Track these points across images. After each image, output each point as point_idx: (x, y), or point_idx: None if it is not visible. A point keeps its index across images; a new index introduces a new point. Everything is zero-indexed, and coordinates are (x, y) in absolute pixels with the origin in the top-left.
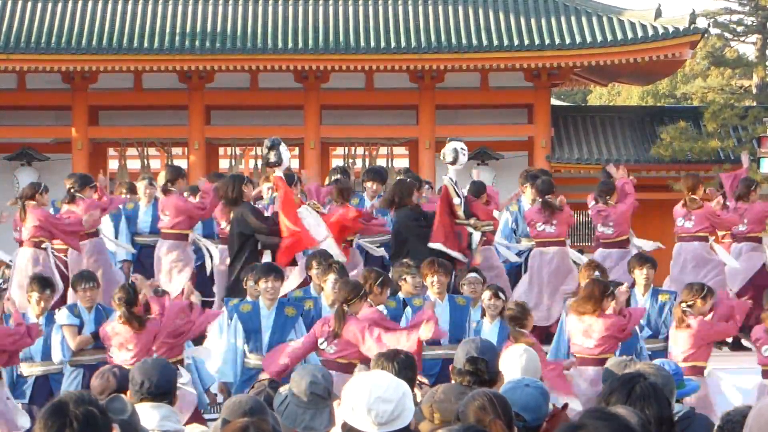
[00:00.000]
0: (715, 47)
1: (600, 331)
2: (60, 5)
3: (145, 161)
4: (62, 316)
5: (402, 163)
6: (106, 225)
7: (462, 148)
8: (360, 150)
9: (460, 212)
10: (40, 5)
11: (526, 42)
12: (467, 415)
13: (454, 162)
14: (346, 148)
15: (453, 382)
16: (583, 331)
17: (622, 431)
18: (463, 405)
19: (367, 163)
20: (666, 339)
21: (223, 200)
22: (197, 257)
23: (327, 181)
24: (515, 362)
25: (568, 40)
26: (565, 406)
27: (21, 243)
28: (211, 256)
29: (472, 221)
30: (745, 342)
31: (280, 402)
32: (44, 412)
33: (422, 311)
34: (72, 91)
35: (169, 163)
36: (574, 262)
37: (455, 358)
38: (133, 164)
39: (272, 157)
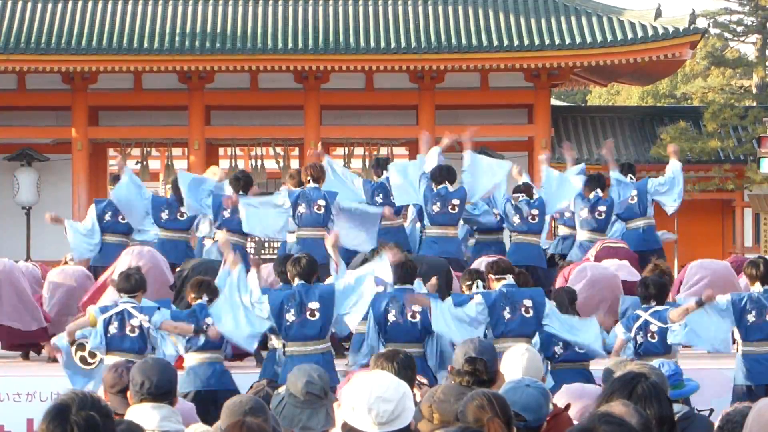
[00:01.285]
0: (715, 47)
1: None
2: (60, 5)
3: (145, 162)
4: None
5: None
6: None
7: None
8: (360, 150)
9: None
10: (40, 5)
11: (526, 42)
12: (466, 415)
13: None
14: (346, 149)
15: (452, 382)
16: None
17: None
18: (463, 405)
19: (366, 164)
20: None
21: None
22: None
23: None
24: (517, 362)
25: (568, 41)
26: (568, 406)
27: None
28: None
29: None
30: None
31: (276, 403)
32: (46, 415)
33: None
34: (72, 92)
35: (169, 164)
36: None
37: (454, 358)
38: (133, 165)
39: None
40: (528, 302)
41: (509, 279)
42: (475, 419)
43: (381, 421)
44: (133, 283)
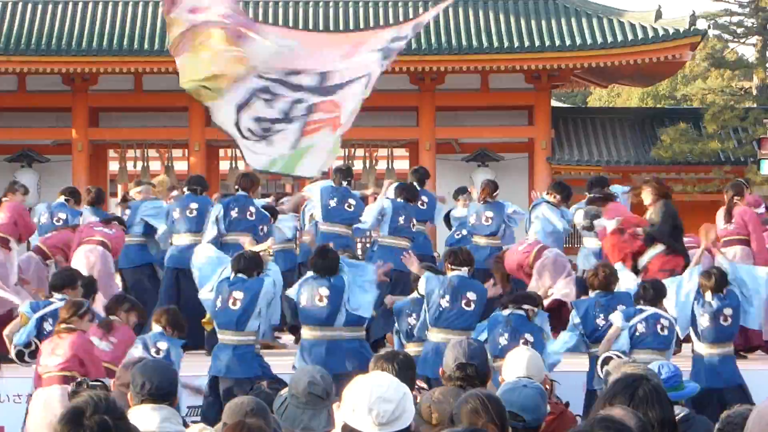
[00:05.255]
0: (715, 49)
1: None
2: (60, 7)
3: (146, 163)
4: None
5: (402, 164)
6: None
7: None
8: (360, 152)
9: None
10: (40, 7)
11: (527, 43)
12: (460, 418)
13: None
14: (347, 150)
15: (444, 385)
16: None
17: None
18: (456, 407)
19: (367, 165)
20: None
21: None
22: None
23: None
24: (519, 363)
25: (568, 42)
26: (567, 404)
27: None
28: None
29: None
30: None
31: (279, 404)
32: (60, 419)
33: None
34: (72, 93)
35: (169, 165)
36: None
37: (444, 362)
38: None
39: None
40: (472, 295)
41: (463, 271)
42: (469, 423)
43: (381, 422)
44: (65, 281)
